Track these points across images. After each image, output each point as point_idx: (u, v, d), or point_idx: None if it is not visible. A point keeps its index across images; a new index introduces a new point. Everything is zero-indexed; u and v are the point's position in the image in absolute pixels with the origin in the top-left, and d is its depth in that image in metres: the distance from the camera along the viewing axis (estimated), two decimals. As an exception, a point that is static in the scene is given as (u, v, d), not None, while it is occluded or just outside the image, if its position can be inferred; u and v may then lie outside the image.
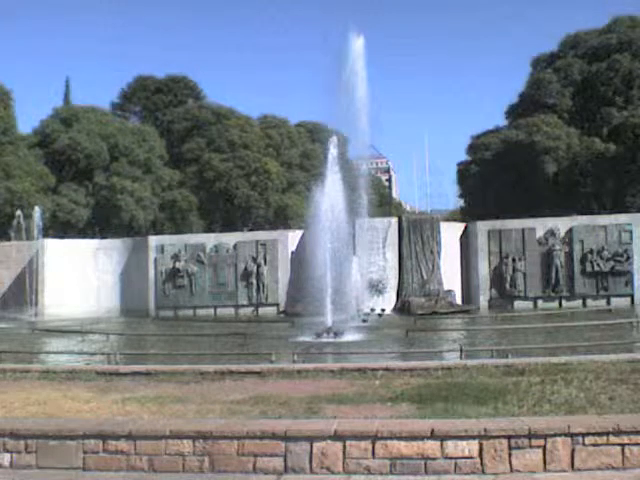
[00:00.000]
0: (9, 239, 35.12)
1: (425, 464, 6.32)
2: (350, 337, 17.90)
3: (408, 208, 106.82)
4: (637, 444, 6.25)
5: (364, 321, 22.63)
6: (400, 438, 6.37)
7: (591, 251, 28.61)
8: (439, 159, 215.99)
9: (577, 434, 6.28)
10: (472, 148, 52.61)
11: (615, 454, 6.25)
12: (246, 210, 51.65)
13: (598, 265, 28.50)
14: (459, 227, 31.61)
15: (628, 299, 28.44)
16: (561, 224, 29.43)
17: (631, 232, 28.75)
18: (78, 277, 32.43)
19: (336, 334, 17.93)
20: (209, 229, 47.79)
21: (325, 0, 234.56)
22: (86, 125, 49.43)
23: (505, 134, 48.87)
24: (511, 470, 6.28)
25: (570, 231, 29.08)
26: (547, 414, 7.46)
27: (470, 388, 9.12)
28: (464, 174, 52.75)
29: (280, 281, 30.61)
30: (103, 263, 33.29)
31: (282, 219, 50.77)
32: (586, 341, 15.35)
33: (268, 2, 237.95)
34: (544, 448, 6.29)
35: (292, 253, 30.75)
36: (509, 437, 6.31)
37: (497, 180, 45.85)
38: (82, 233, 44.52)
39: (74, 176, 48.96)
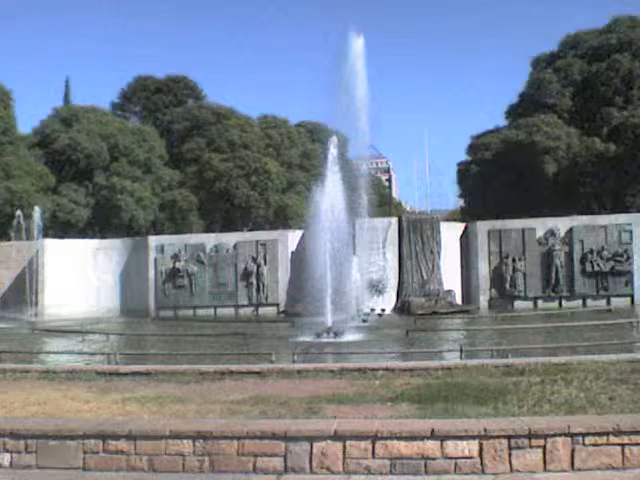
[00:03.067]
0: (9, 239, 35.09)
1: (425, 464, 6.31)
2: (350, 337, 17.90)
3: (408, 208, 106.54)
4: (637, 444, 6.24)
5: (364, 321, 22.64)
6: (400, 438, 6.37)
7: (591, 251, 28.63)
8: (439, 159, 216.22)
9: (577, 434, 6.28)
10: (472, 148, 52.57)
11: (615, 454, 6.25)
12: (246, 210, 51.61)
13: (598, 265, 28.51)
14: (459, 227, 31.62)
15: (628, 299, 28.47)
16: (561, 224, 29.44)
17: (631, 232, 28.77)
18: (78, 277, 32.44)
19: (336, 334, 17.93)
20: (209, 229, 47.78)
21: (325, 0, 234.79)
22: (86, 125, 49.40)
23: (505, 134, 48.82)
24: (511, 470, 6.28)
25: (570, 231, 29.10)
26: (547, 414, 7.46)
27: (470, 388, 9.11)
28: (464, 174, 52.70)
29: (280, 281, 30.62)
30: (103, 263, 33.30)
31: (282, 219, 50.72)
32: (586, 341, 15.35)
33: (268, 2, 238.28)
34: (544, 448, 6.29)
35: (292, 253, 30.75)
36: (509, 437, 6.31)
37: (497, 180, 45.83)
38: (82, 233, 44.51)
39: (74, 176, 48.93)
